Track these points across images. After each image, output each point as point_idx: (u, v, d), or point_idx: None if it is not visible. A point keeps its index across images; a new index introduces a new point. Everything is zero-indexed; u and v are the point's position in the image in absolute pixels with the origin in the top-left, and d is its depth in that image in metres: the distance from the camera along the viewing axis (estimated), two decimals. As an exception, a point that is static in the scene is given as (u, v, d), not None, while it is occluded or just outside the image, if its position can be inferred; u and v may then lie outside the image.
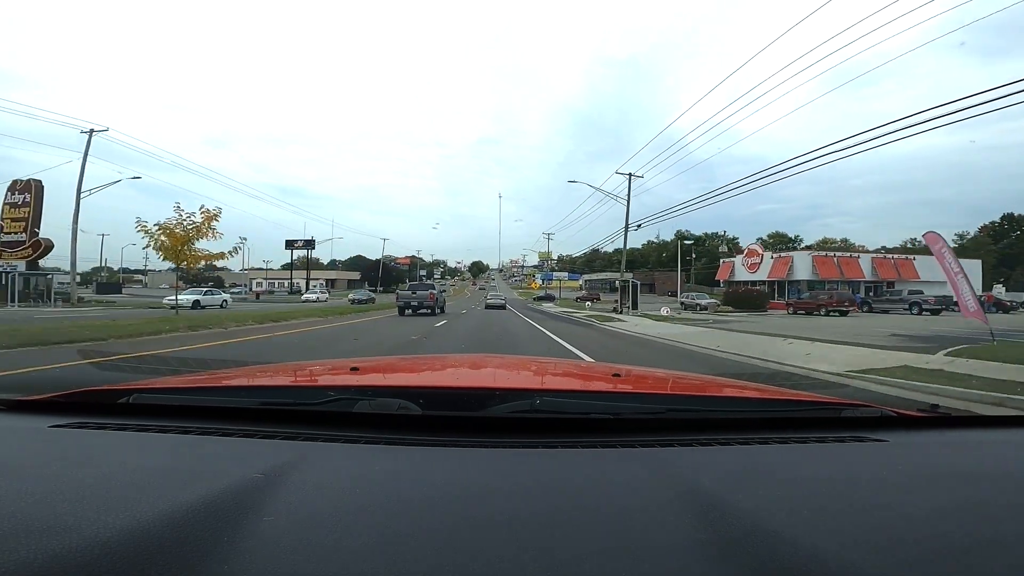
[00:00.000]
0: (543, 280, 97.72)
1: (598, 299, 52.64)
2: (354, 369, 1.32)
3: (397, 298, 21.93)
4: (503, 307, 30.08)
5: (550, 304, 44.61)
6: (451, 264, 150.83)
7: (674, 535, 0.56)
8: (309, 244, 68.84)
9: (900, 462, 0.83)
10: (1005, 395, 4.75)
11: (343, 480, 0.68)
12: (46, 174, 28.03)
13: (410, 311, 20.23)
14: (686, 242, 72.96)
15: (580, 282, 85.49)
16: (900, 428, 1.01)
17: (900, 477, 0.76)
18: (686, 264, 79.87)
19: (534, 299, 59.32)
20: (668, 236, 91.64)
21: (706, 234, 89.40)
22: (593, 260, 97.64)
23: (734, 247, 70.59)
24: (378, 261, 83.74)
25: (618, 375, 1.46)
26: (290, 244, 69.02)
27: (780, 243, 75.39)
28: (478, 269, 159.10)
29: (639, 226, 28.80)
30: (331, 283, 76.82)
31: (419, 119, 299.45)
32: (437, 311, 21.10)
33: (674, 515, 0.60)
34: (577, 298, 56.04)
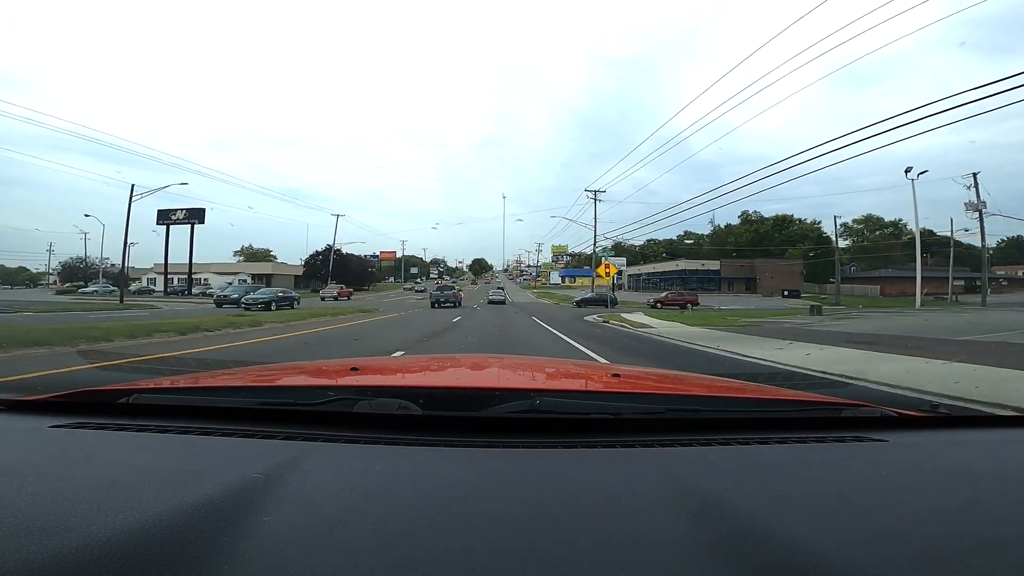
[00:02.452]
0: (563, 275, 77.70)
1: (697, 303, 34.12)
2: (354, 369, 1.32)
3: (430, 296, 31.56)
4: (503, 302, 35.57)
5: (642, 319, 19.50)
6: (451, 263, 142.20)
7: (674, 535, 0.55)
8: (195, 215, 42.90)
9: (900, 462, 0.83)
10: None
11: (343, 480, 0.68)
12: None
13: (438, 305, 28.67)
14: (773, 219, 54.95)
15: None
16: (900, 428, 1.01)
17: (900, 477, 0.76)
18: (774, 249, 58.86)
19: (579, 303, 34.28)
20: (723, 221, 71.10)
21: (777, 217, 68.32)
22: (618, 255, 77.45)
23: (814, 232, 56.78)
24: (328, 249, 57.98)
25: (618, 375, 1.45)
26: (165, 216, 42.86)
27: (875, 226, 61.08)
28: (480, 267, 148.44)
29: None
30: (265, 279, 54.28)
31: (421, 121, 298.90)
32: (457, 305, 29.38)
33: (674, 515, 0.60)
34: (656, 302, 33.82)
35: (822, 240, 59.80)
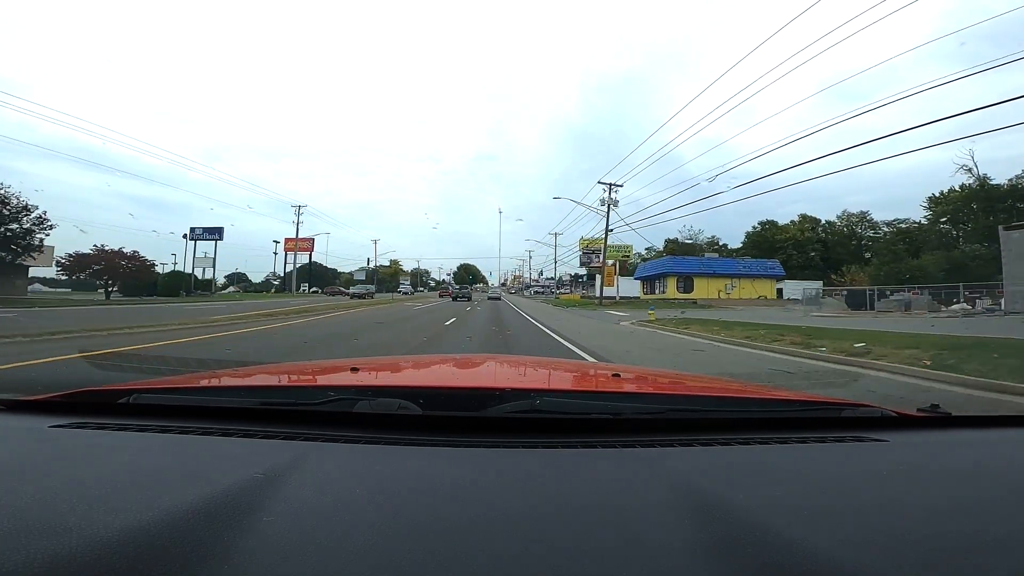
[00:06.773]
0: (646, 277, 42.60)
1: None
2: (354, 369, 1.32)
3: (452, 293, 46.32)
4: (499, 299, 45.38)
5: None
6: (436, 276, 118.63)
7: (674, 535, 0.56)
8: None
9: (900, 462, 0.83)
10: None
11: (343, 480, 0.69)
12: None
13: (456, 299, 39.80)
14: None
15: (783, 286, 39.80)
16: (900, 428, 1.01)
17: (900, 477, 0.76)
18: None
19: None
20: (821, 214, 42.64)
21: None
22: (677, 252, 51.22)
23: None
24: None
25: (618, 375, 1.45)
26: None
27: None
28: (467, 274, 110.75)
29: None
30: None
31: (415, 134, 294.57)
32: (470, 300, 40.51)
33: (674, 515, 0.60)
34: None
35: None
